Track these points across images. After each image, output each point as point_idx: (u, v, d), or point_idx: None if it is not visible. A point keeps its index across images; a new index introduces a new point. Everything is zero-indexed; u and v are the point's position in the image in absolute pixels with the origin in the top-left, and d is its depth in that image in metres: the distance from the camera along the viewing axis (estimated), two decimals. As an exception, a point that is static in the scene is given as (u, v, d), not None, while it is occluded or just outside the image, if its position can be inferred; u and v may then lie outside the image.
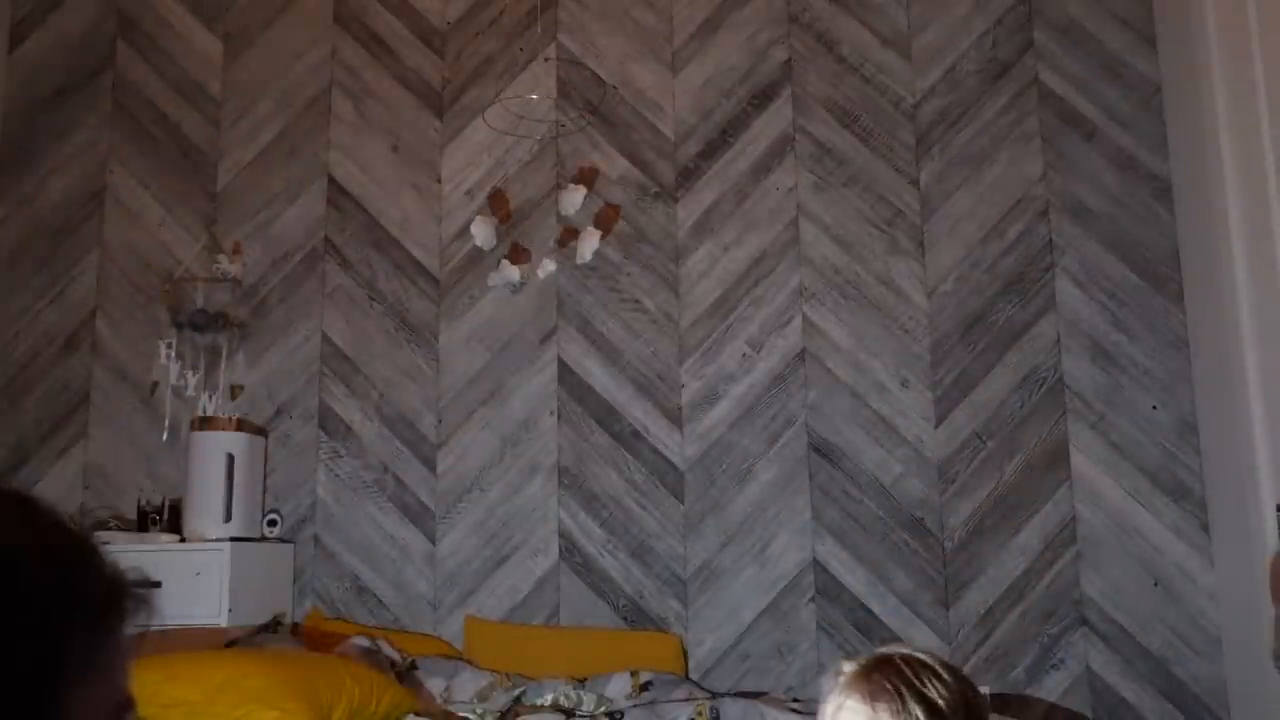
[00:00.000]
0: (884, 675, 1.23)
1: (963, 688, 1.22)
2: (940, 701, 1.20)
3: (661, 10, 3.32)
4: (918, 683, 1.21)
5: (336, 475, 3.20)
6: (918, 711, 1.19)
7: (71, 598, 0.65)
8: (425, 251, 3.29)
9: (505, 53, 3.35)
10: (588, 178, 3.24)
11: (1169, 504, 2.94)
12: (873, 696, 1.22)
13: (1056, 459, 3.00)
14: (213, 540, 2.88)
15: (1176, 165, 3.06)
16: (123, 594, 0.69)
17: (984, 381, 3.06)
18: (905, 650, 1.26)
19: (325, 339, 3.28)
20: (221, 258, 3.28)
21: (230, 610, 2.78)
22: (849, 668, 1.27)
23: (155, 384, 3.20)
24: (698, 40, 3.29)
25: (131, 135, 3.42)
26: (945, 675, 1.23)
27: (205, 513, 2.93)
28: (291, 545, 3.16)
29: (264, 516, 3.11)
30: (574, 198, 3.19)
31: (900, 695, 1.20)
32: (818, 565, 3.02)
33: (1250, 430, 2.64)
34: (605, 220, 3.22)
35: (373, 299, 3.28)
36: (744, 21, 3.28)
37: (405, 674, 2.76)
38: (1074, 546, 2.96)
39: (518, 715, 2.63)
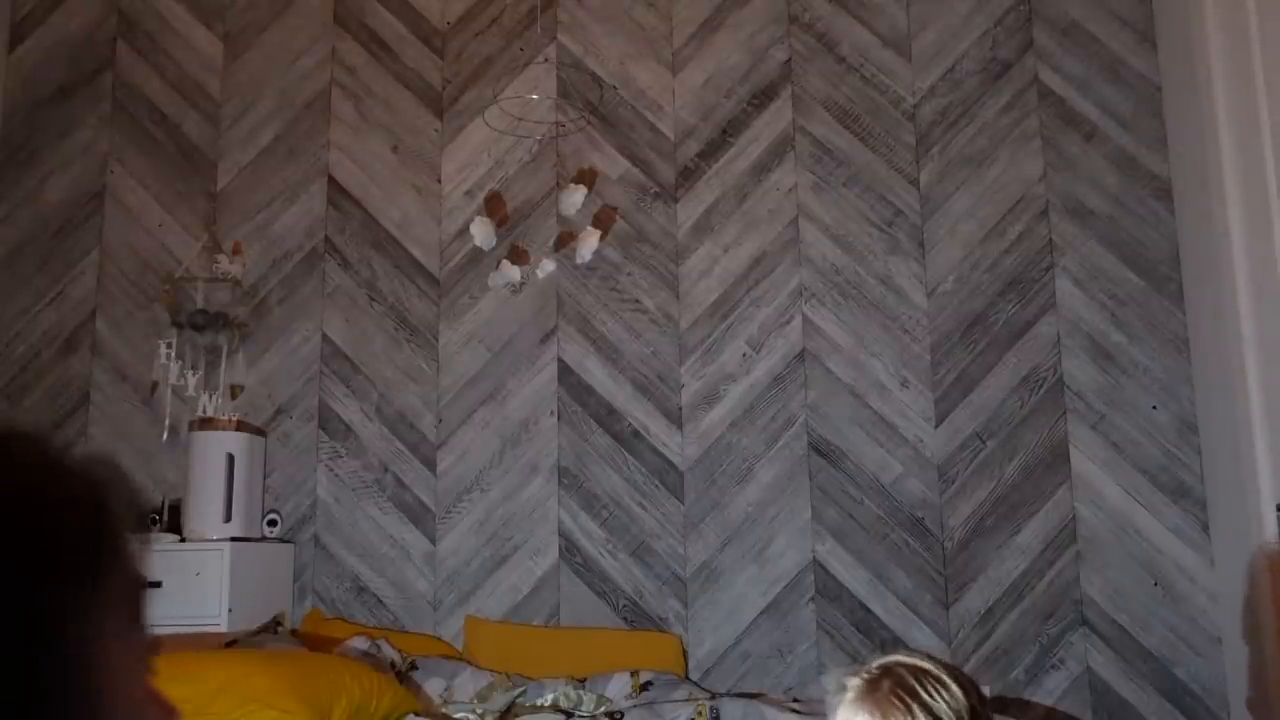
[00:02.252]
0: (890, 689, 1.22)
1: (968, 695, 1.21)
2: (950, 713, 1.19)
3: (661, 10, 3.32)
4: (925, 695, 1.20)
5: (336, 475, 3.20)
6: None
7: (68, 552, 0.57)
8: (425, 251, 3.29)
9: (505, 53, 3.35)
10: (587, 178, 3.24)
11: (1169, 504, 2.94)
12: (883, 715, 1.21)
13: (1056, 459, 3.00)
14: (213, 540, 2.88)
15: (1176, 165, 3.06)
16: (115, 516, 0.61)
17: (984, 381, 3.06)
18: (909, 659, 1.25)
19: (325, 339, 3.28)
20: (221, 258, 3.28)
21: (230, 610, 2.78)
22: (854, 682, 1.26)
23: (155, 384, 3.20)
24: (698, 40, 3.29)
25: (131, 135, 3.42)
26: (951, 683, 1.21)
27: (205, 513, 2.93)
28: (291, 545, 3.16)
29: (264, 516, 3.11)
30: (574, 198, 3.19)
31: (909, 710, 1.20)
32: (818, 565, 3.02)
33: (1250, 430, 2.64)
34: (605, 220, 3.22)
35: (373, 299, 3.28)
36: (744, 21, 3.28)
37: (405, 674, 2.76)
38: (1074, 546, 2.96)
39: (517, 715, 2.63)
